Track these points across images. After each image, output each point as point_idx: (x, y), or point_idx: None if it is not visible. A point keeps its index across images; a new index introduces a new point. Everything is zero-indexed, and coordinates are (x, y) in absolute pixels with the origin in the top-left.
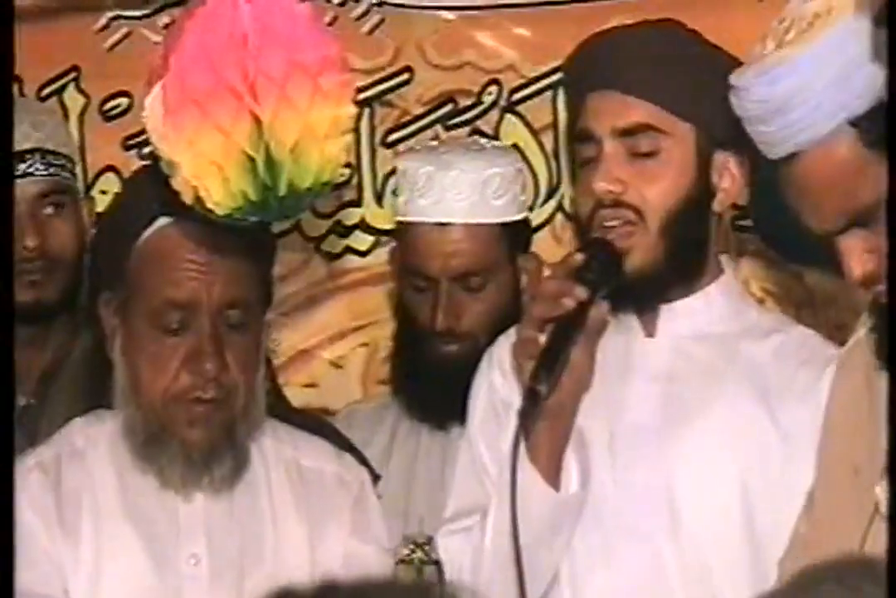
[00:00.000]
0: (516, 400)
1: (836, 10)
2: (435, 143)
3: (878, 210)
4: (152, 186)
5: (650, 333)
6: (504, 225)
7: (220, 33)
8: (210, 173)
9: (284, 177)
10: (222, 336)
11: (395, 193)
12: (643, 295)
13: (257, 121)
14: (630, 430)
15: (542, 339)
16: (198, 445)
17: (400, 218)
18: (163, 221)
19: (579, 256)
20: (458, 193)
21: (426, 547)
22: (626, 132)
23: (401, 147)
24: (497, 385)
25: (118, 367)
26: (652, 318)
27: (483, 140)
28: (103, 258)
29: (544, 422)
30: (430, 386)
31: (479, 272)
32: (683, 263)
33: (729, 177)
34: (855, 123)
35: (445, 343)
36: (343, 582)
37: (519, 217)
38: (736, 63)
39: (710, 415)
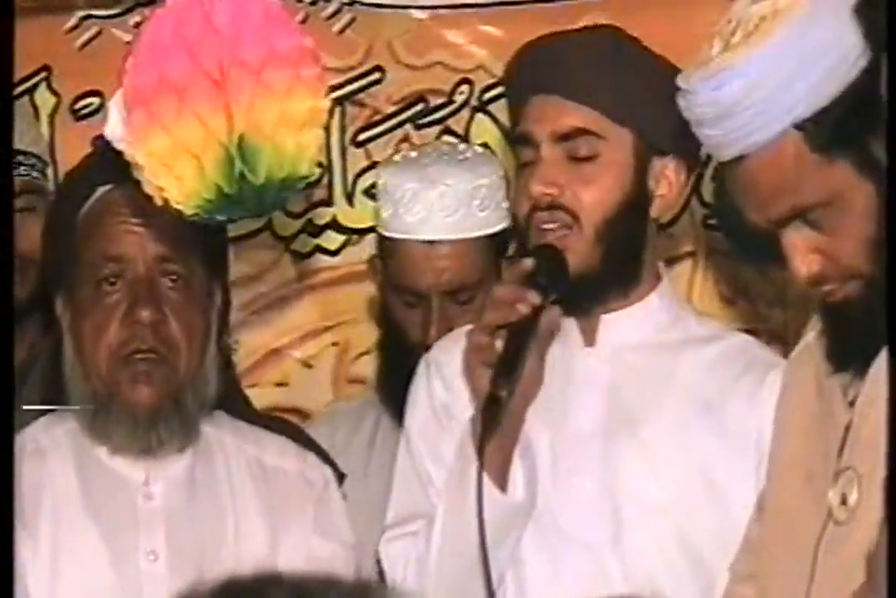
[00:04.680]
0: (458, 408)
1: (781, 14)
2: (414, 153)
3: (826, 212)
4: (94, 163)
5: (590, 342)
6: (490, 236)
7: (194, 24)
8: (185, 164)
9: (263, 164)
10: (158, 287)
11: (372, 195)
12: (580, 299)
13: (233, 109)
14: (572, 439)
15: (497, 344)
16: (142, 403)
17: (385, 233)
18: (102, 189)
19: (529, 262)
20: (444, 208)
21: None
22: (565, 137)
23: (371, 146)
24: (437, 392)
25: (66, 346)
26: (591, 327)
27: (462, 146)
28: (52, 242)
29: (496, 428)
30: None
31: (469, 287)
32: (620, 267)
33: (666, 183)
34: (800, 126)
35: None
36: (287, 576)
37: (503, 226)
38: (676, 70)
39: (652, 424)
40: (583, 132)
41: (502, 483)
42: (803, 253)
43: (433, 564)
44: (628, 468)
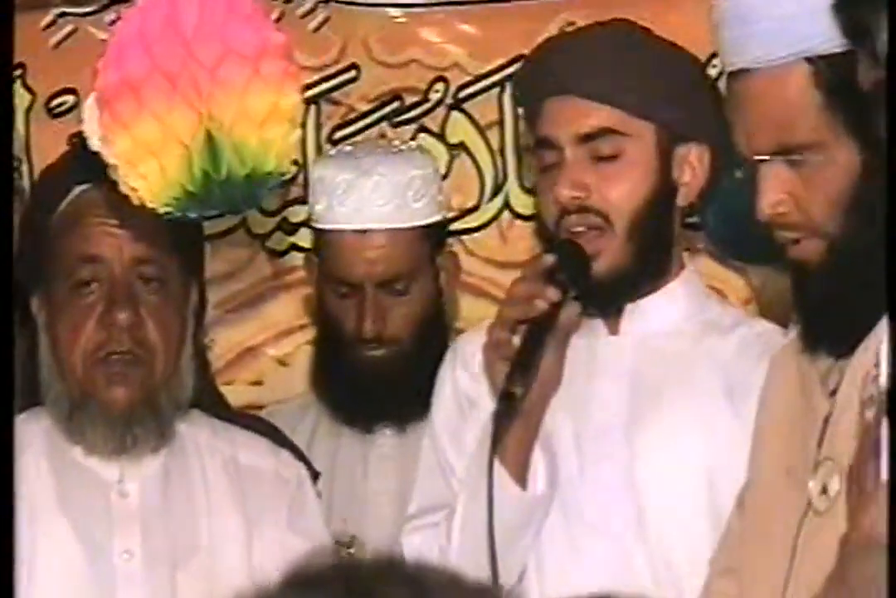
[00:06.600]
0: (482, 398)
1: None
2: (349, 148)
3: (808, 157)
4: (68, 162)
5: (614, 331)
6: (424, 227)
7: (156, 23)
8: (147, 164)
9: (224, 160)
10: (135, 289)
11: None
12: (611, 297)
13: (192, 107)
14: (596, 428)
15: (515, 340)
16: (118, 404)
17: (319, 226)
18: (79, 188)
19: (549, 258)
20: (380, 198)
21: (350, 546)
22: (587, 137)
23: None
24: (462, 383)
25: (42, 346)
26: (615, 316)
27: (397, 141)
28: (27, 240)
29: (514, 423)
30: (357, 391)
31: (403, 276)
32: (651, 263)
33: (690, 170)
34: (812, 60)
35: (371, 349)
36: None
37: (438, 218)
38: (688, 55)
39: (676, 411)
40: (605, 131)
41: (521, 479)
42: (775, 192)
43: (454, 555)
44: (651, 456)
